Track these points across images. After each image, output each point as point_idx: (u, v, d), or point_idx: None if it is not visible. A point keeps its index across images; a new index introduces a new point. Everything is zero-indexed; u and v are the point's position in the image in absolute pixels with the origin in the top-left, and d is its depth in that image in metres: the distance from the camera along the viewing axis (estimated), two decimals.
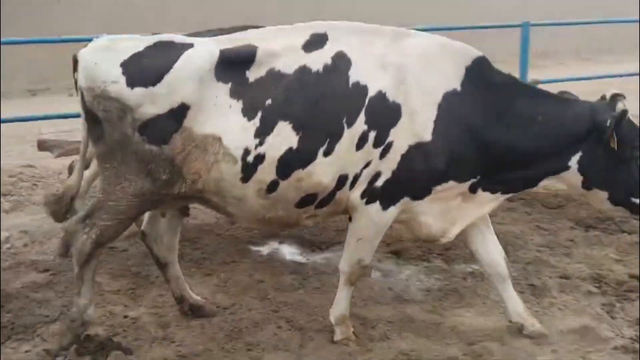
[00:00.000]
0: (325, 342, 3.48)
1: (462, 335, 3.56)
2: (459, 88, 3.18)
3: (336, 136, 3.09)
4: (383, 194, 3.19)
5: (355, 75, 3.12)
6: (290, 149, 3.07)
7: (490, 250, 3.54)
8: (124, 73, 2.97)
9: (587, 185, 3.31)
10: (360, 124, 3.09)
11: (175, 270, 3.67)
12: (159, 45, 3.09)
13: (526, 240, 4.89)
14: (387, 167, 3.15)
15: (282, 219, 3.30)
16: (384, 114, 3.11)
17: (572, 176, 3.30)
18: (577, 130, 3.22)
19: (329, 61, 3.13)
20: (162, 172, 3.04)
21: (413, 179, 3.20)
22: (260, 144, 3.05)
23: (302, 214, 3.29)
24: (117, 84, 2.96)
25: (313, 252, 4.74)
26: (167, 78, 2.97)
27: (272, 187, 3.12)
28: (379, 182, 3.17)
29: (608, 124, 3.13)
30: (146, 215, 3.51)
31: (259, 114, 3.05)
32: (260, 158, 3.06)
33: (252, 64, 3.08)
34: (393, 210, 3.25)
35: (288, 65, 3.10)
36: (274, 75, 3.08)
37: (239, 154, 3.05)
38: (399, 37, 3.26)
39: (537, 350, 3.37)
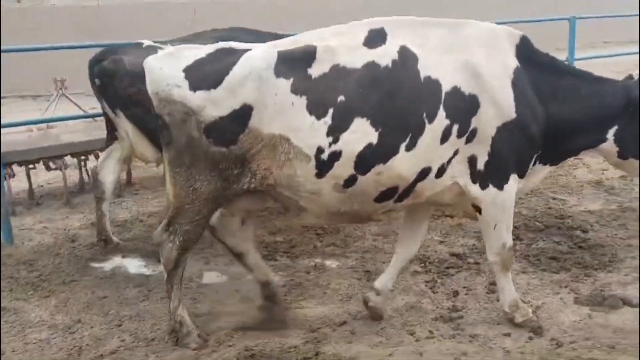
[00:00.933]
0: (170, 348, 3.52)
1: (304, 324, 3.78)
2: (519, 65, 3.34)
3: (418, 131, 3.14)
4: (491, 176, 3.32)
5: (424, 69, 3.18)
6: (370, 144, 3.09)
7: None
8: (186, 77, 3.03)
9: (622, 155, 3.57)
10: (441, 119, 3.17)
11: (254, 258, 3.69)
12: (219, 51, 3.15)
13: (364, 231, 5.27)
14: (481, 150, 3.28)
15: (358, 213, 3.35)
16: (463, 107, 3.21)
17: (609, 147, 3.55)
18: (614, 105, 3.47)
19: (396, 56, 3.16)
20: (233, 169, 3.09)
21: (514, 154, 3.33)
22: (335, 141, 3.07)
23: (380, 208, 3.36)
24: (180, 87, 3.02)
25: (159, 263, 4.71)
26: (227, 81, 3.02)
27: (350, 181, 3.16)
28: (480, 165, 3.31)
29: None
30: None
31: (330, 111, 3.06)
32: (336, 155, 3.09)
33: (313, 61, 3.10)
34: (509, 188, 3.39)
35: (353, 61, 3.12)
36: (339, 72, 3.09)
37: (311, 152, 3.08)
38: (454, 28, 3.34)
39: (366, 329, 3.67)
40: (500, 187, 3.37)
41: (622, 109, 3.49)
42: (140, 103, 4.40)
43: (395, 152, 3.13)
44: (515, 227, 5.14)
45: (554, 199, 5.90)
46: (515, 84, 3.30)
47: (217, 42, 4.86)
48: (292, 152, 3.09)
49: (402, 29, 3.28)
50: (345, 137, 3.08)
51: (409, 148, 3.14)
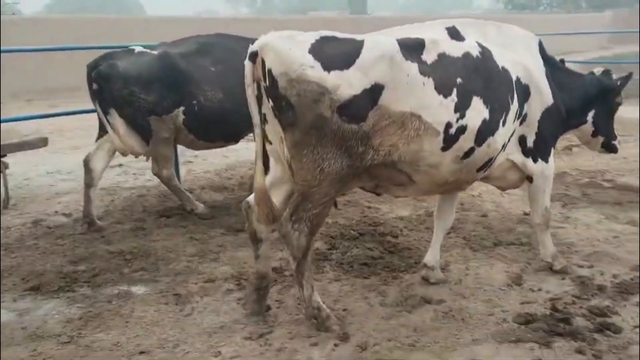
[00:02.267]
0: None
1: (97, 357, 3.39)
2: (542, 60, 4.10)
3: (507, 109, 3.69)
4: (539, 152, 4.04)
5: (499, 61, 3.71)
6: (484, 120, 3.55)
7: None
8: (316, 59, 3.10)
9: (595, 133, 4.53)
10: (515, 101, 3.75)
11: (267, 249, 3.80)
12: (328, 37, 3.26)
13: (179, 253, 4.97)
14: (530, 131, 3.97)
15: (459, 182, 3.76)
16: (522, 93, 3.84)
17: (588, 127, 4.49)
18: (592, 94, 4.37)
19: (478, 48, 3.64)
20: (359, 146, 3.20)
21: (553, 133, 4.12)
22: (461, 117, 3.44)
23: (476, 178, 3.87)
24: (313, 68, 3.07)
25: None
26: (359, 62, 3.16)
27: (469, 153, 3.57)
28: (529, 144, 4.00)
29: (620, 84, 4.48)
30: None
31: (454, 91, 3.41)
32: (462, 129, 3.46)
33: (424, 49, 3.40)
34: (552, 161, 4.16)
35: (453, 51, 3.51)
36: (447, 59, 3.45)
37: (441, 127, 3.39)
38: (499, 28, 4.01)
39: (169, 356, 3.39)
40: (546, 160, 4.13)
41: (597, 96, 4.42)
42: (132, 103, 5.33)
43: (498, 126, 3.65)
44: (331, 237, 5.24)
45: (368, 207, 6.08)
46: (547, 76, 4.05)
47: (204, 46, 5.77)
48: (422, 128, 3.34)
49: (467, 27, 3.78)
50: (468, 113, 3.48)
51: (504, 124, 3.69)
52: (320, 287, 4.21)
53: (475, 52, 3.61)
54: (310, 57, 3.13)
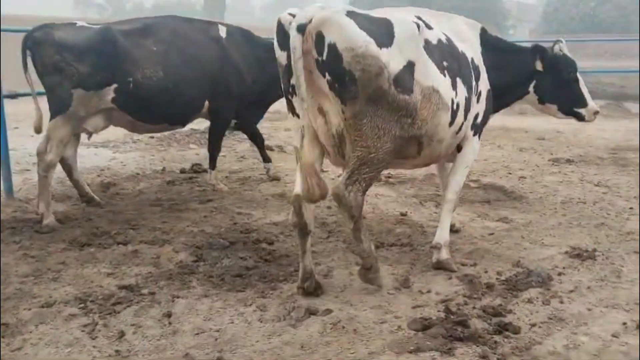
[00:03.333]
0: None
1: None
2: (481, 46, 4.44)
3: (471, 87, 4.02)
4: (479, 128, 4.26)
5: (459, 46, 4.02)
6: (466, 97, 3.90)
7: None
8: (369, 35, 3.23)
9: (541, 101, 4.75)
10: (474, 80, 4.07)
11: (309, 243, 3.76)
12: (357, 13, 3.35)
13: (8, 273, 4.05)
14: (480, 108, 4.20)
15: (443, 157, 4.14)
16: (476, 74, 4.13)
17: (531, 97, 4.75)
18: (528, 67, 4.62)
19: (444, 35, 3.90)
20: (407, 117, 3.43)
21: (488, 113, 4.36)
22: (455, 95, 3.76)
23: (454, 150, 4.18)
24: (372, 44, 3.22)
25: None
26: (396, 39, 3.36)
27: (460, 128, 3.94)
28: (478, 120, 4.21)
29: (549, 51, 4.63)
30: (299, 179, 3.50)
31: (446, 72, 3.70)
32: (458, 105, 3.80)
33: (420, 32, 3.60)
34: (479, 139, 4.36)
35: (433, 36, 3.75)
36: (430, 44, 3.68)
37: (449, 103, 3.69)
38: (449, 18, 4.32)
39: None
40: (479, 136, 4.35)
41: (536, 68, 4.62)
42: (61, 71, 5.03)
43: (471, 103, 4.02)
44: (197, 247, 4.61)
45: (239, 214, 5.52)
46: (485, 61, 4.36)
47: (151, 25, 5.63)
48: (440, 103, 3.59)
49: (428, 17, 3.95)
50: (458, 91, 3.79)
51: (475, 102, 4.10)
52: (186, 305, 3.60)
53: (444, 38, 3.88)
54: (365, 34, 3.24)
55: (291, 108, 3.53)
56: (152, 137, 9.43)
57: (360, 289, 3.83)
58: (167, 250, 4.60)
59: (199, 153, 8.63)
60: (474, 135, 4.24)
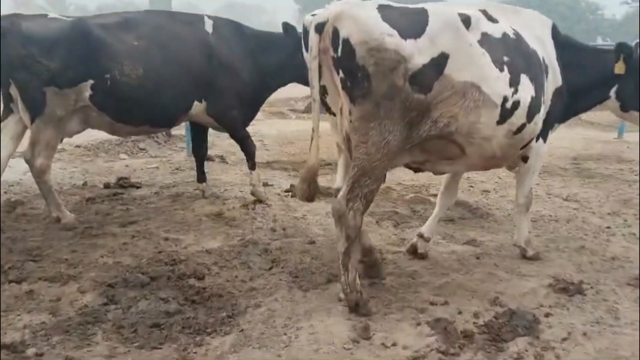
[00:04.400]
0: None
1: None
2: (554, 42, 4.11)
3: (543, 87, 3.76)
4: (543, 131, 3.99)
5: (529, 42, 3.74)
6: (532, 97, 3.61)
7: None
8: (393, 27, 3.03)
9: (624, 108, 4.32)
10: (545, 80, 3.81)
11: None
12: (391, 6, 3.17)
13: None
14: (545, 110, 3.88)
15: (502, 159, 3.82)
16: (545, 72, 3.83)
17: (612, 103, 4.34)
18: (610, 68, 4.20)
19: (511, 30, 3.65)
20: (420, 117, 3.19)
21: (558, 114, 4.11)
22: (515, 92, 3.48)
23: (515, 156, 3.97)
24: (392, 36, 3.02)
25: None
26: (428, 30, 3.13)
27: (520, 129, 3.62)
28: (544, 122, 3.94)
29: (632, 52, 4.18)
30: (339, 173, 3.61)
31: (505, 67, 3.44)
32: (516, 104, 3.51)
33: (470, 26, 3.33)
34: (546, 141, 4.15)
35: (494, 31, 3.51)
36: (489, 38, 3.44)
37: (498, 100, 3.42)
38: (518, 12, 4.02)
39: None
40: (545, 140, 4.10)
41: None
42: (28, 67, 4.54)
43: (540, 104, 3.70)
44: (109, 285, 3.75)
45: (166, 239, 4.67)
46: (558, 59, 4.03)
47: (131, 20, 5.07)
48: (481, 99, 3.35)
49: (495, 11, 3.70)
50: (520, 89, 3.52)
51: (543, 102, 3.75)
52: None
53: (511, 33, 3.62)
54: (386, 25, 3.05)
55: (327, 108, 3.49)
56: (79, 147, 8.41)
57: (309, 342, 3.07)
58: (70, 290, 3.72)
59: (129, 165, 7.69)
60: (538, 139, 4.00)
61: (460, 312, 3.42)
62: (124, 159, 8.23)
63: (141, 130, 5.45)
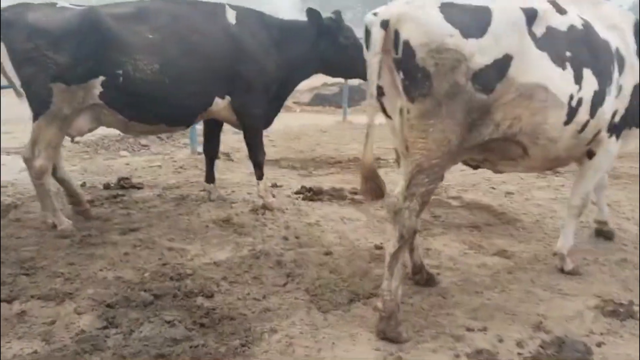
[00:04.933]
0: None
1: None
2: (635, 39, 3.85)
3: (610, 79, 3.52)
4: (617, 128, 3.73)
5: (600, 32, 3.52)
6: (595, 91, 3.41)
7: None
8: (454, 26, 2.96)
9: None
10: (615, 71, 3.56)
11: (417, 239, 3.67)
12: (454, 4, 3.04)
13: None
14: (622, 105, 3.67)
15: (566, 160, 3.72)
16: (620, 65, 3.60)
17: None
18: None
19: (581, 21, 3.45)
20: (481, 118, 3.08)
21: (634, 112, 3.78)
22: (579, 89, 3.32)
23: (581, 153, 3.74)
24: (453, 36, 2.95)
25: None
26: (492, 30, 3.01)
27: (584, 127, 3.45)
28: (616, 118, 3.69)
29: None
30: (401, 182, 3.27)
31: (568, 64, 3.28)
32: (580, 102, 3.34)
33: (534, 20, 3.19)
34: (619, 142, 3.83)
35: (560, 24, 3.33)
36: (554, 31, 3.27)
37: (565, 100, 3.28)
38: (594, 4, 3.73)
39: None
40: (617, 139, 3.79)
41: None
42: (35, 62, 4.26)
43: (605, 98, 3.49)
44: (109, 306, 3.40)
45: (170, 249, 4.30)
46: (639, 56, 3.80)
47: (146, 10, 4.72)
48: (548, 100, 3.21)
49: (566, 2, 3.51)
50: (583, 85, 3.34)
51: (609, 93, 3.52)
52: None
53: (578, 24, 3.44)
54: (449, 25, 2.96)
55: (383, 109, 3.38)
56: (78, 143, 8.02)
57: None
58: (66, 311, 3.37)
59: (130, 163, 7.31)
60: (610, 136, 3.72)
61: (501, 340, 3.06)
62: (125, 156, 7.87)
63: (158, 129, 5.09)
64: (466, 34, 2.98)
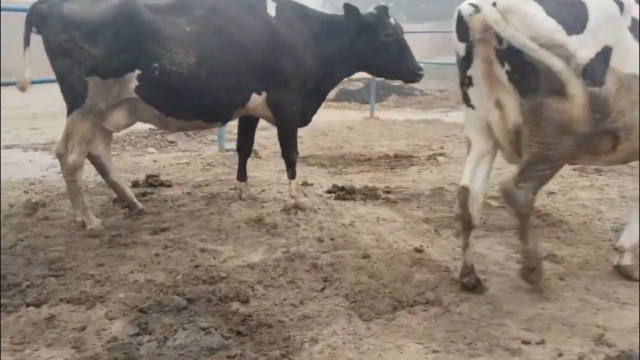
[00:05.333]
0: None
1: None
2: None
3: None
4: None
5: None
6: None
7: None
8: (558, 22, 3.00)
9: None
10: None
11: (472, 237, 3.67)
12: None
13: None
14: None
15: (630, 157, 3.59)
16: None
17: None
18: None
19: None
20: (596, 111, 3.06)
21: None
22: None
23: None
24: (559, 32, 2.99)
25: None
26: (590, 25, 3.04)
27: None
28: None
29: None
30: (468, 170, 3.48)
31: None
32: None
33: (623, 11, 3.17)
34: None
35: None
36: (637, 23, 3.22)
37: None
38: None
39: None
40: None
41: None
42: (70, 54, 4.20)
43: None
44: (141, 311, 3.26)
45: (202, 250, 4.15)
46: None
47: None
48: None
49: None
50: None
51: None
52: None
53: None
54: (554, 21, 3.01)
55: (466, 99, 3.41)
56: None
57: None
58: (97, 316, 3.23)
59: (158, 160, 7.20)
60: None
61: (561, 355, 2.84)
62: (152, 152, 7.76)
63: (194, 125, 4.94)
64: (569, 30, 3.02)
